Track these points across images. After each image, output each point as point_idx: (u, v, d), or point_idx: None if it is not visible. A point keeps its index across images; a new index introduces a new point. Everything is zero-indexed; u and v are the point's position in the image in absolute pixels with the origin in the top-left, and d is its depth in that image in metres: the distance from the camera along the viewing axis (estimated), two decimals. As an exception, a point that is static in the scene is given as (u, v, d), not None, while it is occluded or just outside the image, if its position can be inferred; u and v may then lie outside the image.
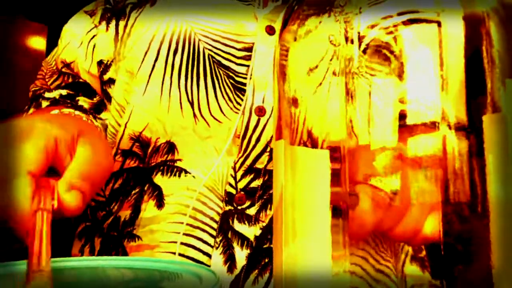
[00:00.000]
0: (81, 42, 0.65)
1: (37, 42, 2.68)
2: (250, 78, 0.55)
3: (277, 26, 0.57)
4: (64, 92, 0.65)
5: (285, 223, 0.26)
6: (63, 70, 0.66)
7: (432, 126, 0.24)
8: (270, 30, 0.57)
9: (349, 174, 0.25)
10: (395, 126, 0.24)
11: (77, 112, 0.54)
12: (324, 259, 0.24)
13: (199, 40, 0.56)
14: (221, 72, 0.55)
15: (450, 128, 0.24)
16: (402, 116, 0.24)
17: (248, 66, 0.56)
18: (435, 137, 0.24)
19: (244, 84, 0.55)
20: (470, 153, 0.24)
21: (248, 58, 0.56)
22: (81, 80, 0.65)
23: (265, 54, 0.56)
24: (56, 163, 0.40)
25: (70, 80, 0.66)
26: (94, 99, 0.65)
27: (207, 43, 0.56)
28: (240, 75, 0.56)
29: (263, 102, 0.55)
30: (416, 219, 0.26)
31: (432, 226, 0.25)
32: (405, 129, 0.24)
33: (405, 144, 0.24)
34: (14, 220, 0.35)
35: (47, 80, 0.68)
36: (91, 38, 0.64)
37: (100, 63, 0.63)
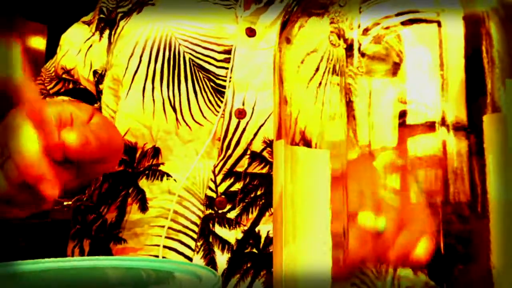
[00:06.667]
0: (79, 50, 0.66)
1: (37, 42, 2.68)
2: (230, 81, 0.55)
3: (258, 28, 0.57)
4: (66, 99, 0.65)
5: (285, 223, 0.26)
6: (64, 76, 0.67)
7: (432, 126, 0.24)
8: (250, 32, 0.57)
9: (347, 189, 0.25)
10: (395, 126, 0.24)
11: None
12: (324, 259, 0.24)
13: (179, 44, 0.56)
14: (201, 75, 0.55)
15: (450, 128, 0.24)
16: (402, 116, 0.24)
17: (228, 68, 0.56)
18: (435, 137, 0.24)
19: (224, 87, 0.55)
20: (470, 153, 0.24)
21: (228, 60, 0.56)
22: (81, 86, 0.66)
23: (245, 56, 0.56)
24: None
25: (70, 85, 0.67)
26: (95, 105, 0.65)
27: (187, 47, 0.56)
28: (220, 77, 0.55)
29: (243, 104, 0.55)
30: (406, 246, 0.26)
31: (423, 250, 0.26)
32: (405, 129, 0.24)
33: (405, 144, 0.24)
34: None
35: (46, 85, 0.68)
36: (89, 47, 0.65)
37: (95, 72, 0.64)
